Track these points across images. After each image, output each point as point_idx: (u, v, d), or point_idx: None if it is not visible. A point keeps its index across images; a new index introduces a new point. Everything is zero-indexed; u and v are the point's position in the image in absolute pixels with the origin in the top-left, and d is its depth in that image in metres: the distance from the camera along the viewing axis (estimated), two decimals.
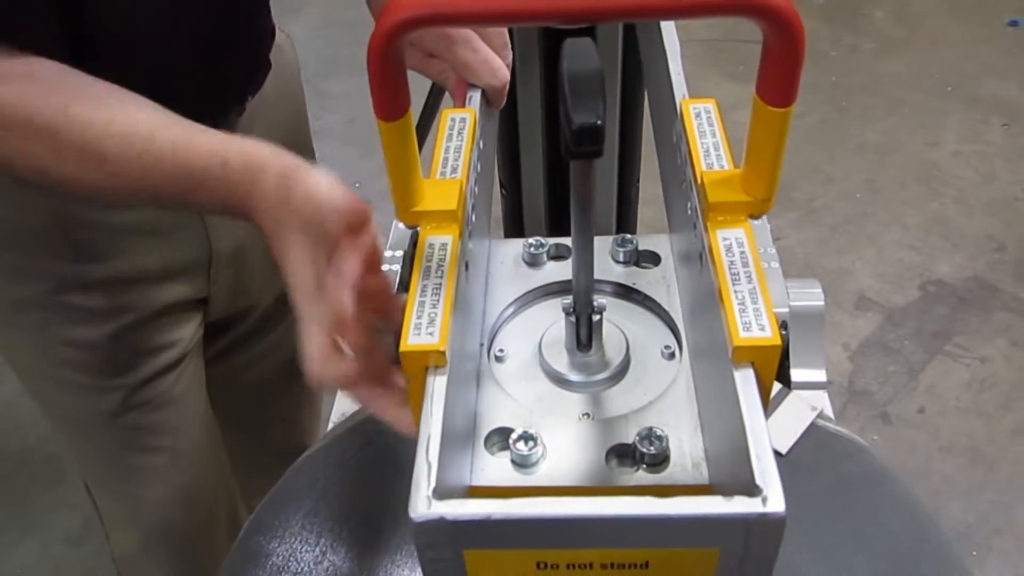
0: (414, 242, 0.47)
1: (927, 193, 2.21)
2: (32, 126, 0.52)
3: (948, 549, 0.65)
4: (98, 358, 0.81)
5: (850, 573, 0.62)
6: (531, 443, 0.45)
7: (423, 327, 0.41)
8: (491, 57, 0.64)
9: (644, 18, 0.65)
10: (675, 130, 0.54)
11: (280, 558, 0.64)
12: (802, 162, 2.27)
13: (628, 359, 0.52)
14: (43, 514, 1.64)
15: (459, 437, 0.43)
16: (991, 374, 1.80)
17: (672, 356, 0.53)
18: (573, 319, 0.51)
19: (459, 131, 0.54)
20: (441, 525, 0.35)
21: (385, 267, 0.57)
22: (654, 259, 0.59)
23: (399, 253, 0.70)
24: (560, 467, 0.46)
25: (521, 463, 0.45)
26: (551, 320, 0.55)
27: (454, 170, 0.50)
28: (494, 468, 0.46)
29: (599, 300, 0.51)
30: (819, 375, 0.78)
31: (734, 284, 0.41)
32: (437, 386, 0.40)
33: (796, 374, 0.78)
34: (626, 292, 0.58)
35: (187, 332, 0.86)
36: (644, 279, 0.58)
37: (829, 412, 0.76)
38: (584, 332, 0.51)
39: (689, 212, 0.50)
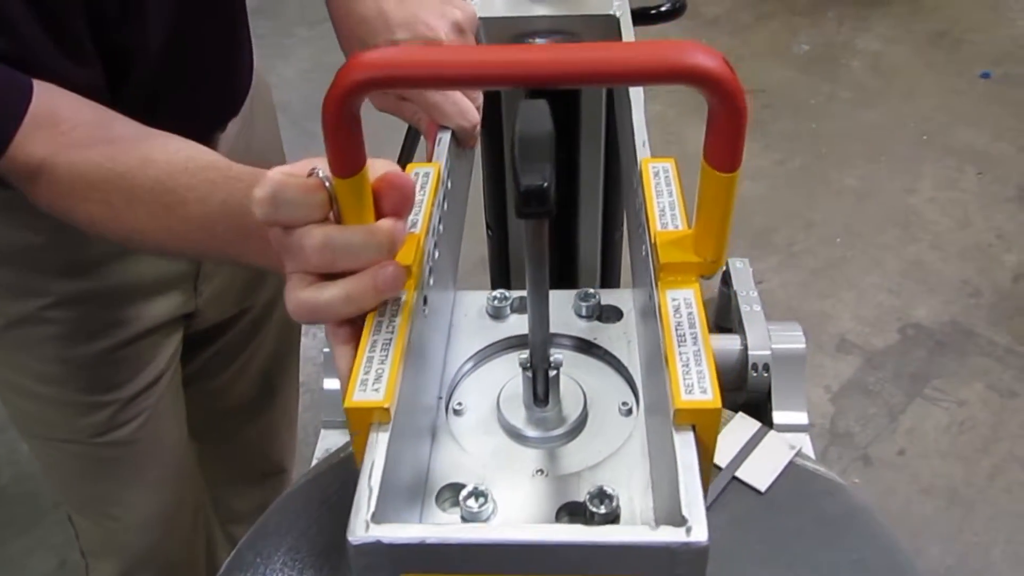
0: None
1: (905, 238, 2.24)
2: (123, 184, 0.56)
3: None
4: (88, 374, 0.83)
5: None
6: (481, 500, 0.45)
7: (369, 383, 0.41)
8: (460, 99, 0.65)
9: (588, 85, 0.67)
10: (638, 187, 0.55)
11: None
12: (783, 207, 2.29)
13: (585, 415, 0.52)
14: (18, 555, 1.61)
15: (404, 493, 0.43)
16: (969, 417, 1.81)
17: (629, 412, 0.53)
18: (530, 374, 0.51)
19: (422, 186, 0.55)
20: (378, 548, 0.35)
21: None
22: (616, 314, 0.59)
23: None
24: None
25: (471, 520, 0.45)
26: (511, 374, 0.55)
27: (413, 224, 0.51)
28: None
29: (556, 355, 0.51)
30: (801, 417, 0.78)
31: (679, 345, 0.41)
32: (380, 442, 0.40)
33: (778, 416, 0.78)
34: (587, 347, 0.58)
35: (169, 350, 0.89)
36: (605, 334, 0.58)
37: (808, 450, 0.76)
38: (541, 387, 0.51)
39: (647, 269, 0.51)
